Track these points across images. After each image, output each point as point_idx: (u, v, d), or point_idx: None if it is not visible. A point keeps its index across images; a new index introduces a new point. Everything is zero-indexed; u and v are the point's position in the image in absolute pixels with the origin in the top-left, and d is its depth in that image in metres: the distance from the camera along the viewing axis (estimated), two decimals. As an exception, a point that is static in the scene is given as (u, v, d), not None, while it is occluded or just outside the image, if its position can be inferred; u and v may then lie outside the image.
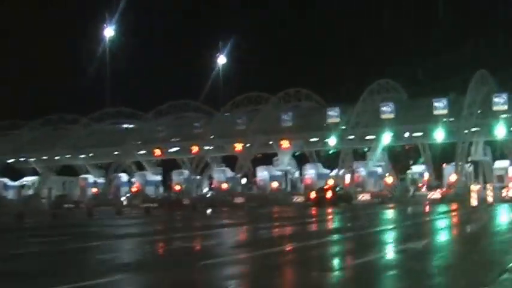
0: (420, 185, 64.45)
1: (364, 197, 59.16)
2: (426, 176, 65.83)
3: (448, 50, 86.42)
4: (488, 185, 48.14)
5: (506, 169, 62.83)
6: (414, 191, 61.42)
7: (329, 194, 52.70)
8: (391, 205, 49.31)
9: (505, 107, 59.51)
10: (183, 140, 71.23)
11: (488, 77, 61.80)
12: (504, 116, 60.25)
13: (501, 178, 62.21)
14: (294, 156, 69.61)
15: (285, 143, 66.02)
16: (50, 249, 16.31)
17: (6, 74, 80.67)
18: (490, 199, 44.74)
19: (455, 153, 59.32)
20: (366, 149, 66.55)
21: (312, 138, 67.83)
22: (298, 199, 60.45)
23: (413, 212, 36.68)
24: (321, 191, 54.23)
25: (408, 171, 68.93)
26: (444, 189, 58.06)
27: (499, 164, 65.02)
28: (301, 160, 69.66)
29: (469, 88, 59.25)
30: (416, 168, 68.27)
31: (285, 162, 67.59)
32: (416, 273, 10.70)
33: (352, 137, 64.98)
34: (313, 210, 42.83)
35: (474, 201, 42.62)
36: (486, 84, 61.70)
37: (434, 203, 51.25)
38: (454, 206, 43.11)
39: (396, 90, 66.02)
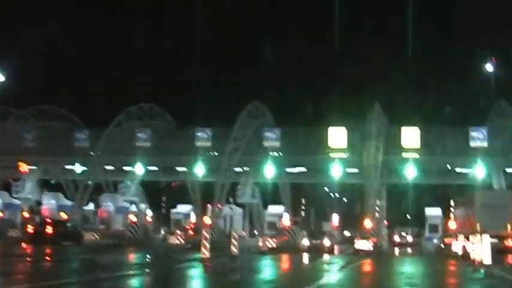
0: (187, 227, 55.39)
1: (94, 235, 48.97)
2: (193, 217, 57.15)
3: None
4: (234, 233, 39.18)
5: (279, 215, 55.73)
6: (166, 233, 52.32)
7: (49, 230, 42.07)
8: (130, 248, 39.52)
9: (277, 143, 52.59)
10: None
11: (263, 109, 54.95)
12: (275, 153, 53.60)
13: (273, 225, 54.74)
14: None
15: (24, 166, 54.29)
16: None
17: None
18: (234, 250, 34.67)
19: (214, 193, 51.24)
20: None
21: (61, 162, 56.97)
22: (15, 233, 48.92)
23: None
24: (42, 224, 43.75)
25: (173, 211, 60.11)
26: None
27: (272, 209, 58.76)
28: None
29: (238, 120, 51.86)
30: (182, 208, 59.66)
31: (26, 189, 55.57)
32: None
33: (109, 167, 54.96)
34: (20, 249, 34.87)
35: (234, 250, 32.97)
36: (261, 117, 54.73)
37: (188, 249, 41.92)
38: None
39: (163, 117, 57.16)
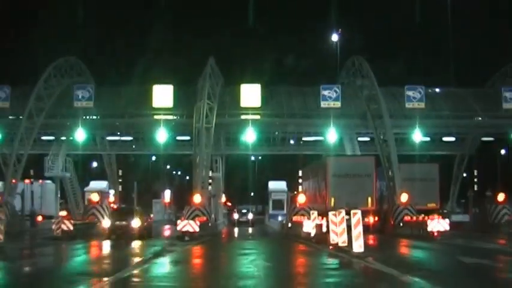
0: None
1: None
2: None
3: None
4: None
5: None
6: None
7: None
8: None
9: (90, 104, 41.51)
10: None
11: (79, 65, 43.82)
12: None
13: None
14: None
15: None
16: None
17: None
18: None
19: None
20: None
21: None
22: None
23: None
24: None
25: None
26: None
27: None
28: None
29: (43, 77, 40.26)
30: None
31: None
32: None
33: None
34: None
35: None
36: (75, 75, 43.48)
37: None
38: None
39: None
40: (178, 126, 43.09)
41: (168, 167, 71.34)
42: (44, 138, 47.21)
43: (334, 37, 49.47)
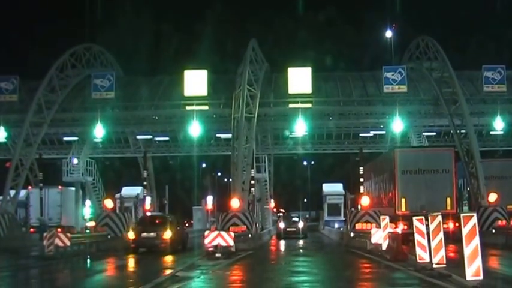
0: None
1: None
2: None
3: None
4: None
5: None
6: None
7: None
8: None
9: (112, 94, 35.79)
10: None
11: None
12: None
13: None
14: None
15: None
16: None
17: None
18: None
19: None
20: None
21: None
22: None
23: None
24: None
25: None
26: None
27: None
28: None
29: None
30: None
31: None
32: None
33: None
34: None
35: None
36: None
37: None
38: None
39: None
40: (217, 120, 36.73)
41: (215, 171, 65.24)
42: (66, 139, 41.92)
43: (389, 33, 41.99)
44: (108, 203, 30.16)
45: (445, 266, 13.19)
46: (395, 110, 34.04)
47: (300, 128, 34.60)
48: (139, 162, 50.03)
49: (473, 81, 34.86)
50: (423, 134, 40.78)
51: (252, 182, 31.92)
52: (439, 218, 13.14)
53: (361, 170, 30.36)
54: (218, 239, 21.25)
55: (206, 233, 21.54)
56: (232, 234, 21.53)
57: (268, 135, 44.46)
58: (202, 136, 38.49)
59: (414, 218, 14.89)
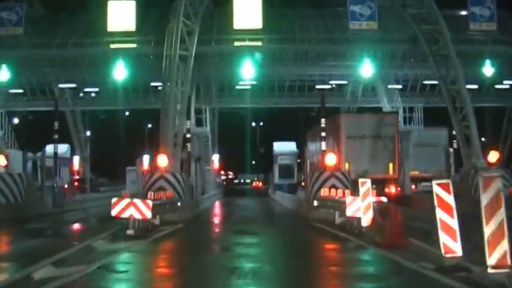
0: None
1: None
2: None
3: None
4: None
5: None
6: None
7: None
8: None
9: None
10: None
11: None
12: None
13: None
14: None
15: None
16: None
17: None
18: None
19: None
20: None
21: None
22: None
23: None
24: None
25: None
26: None
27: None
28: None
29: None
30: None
31: None
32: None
33: None
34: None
35: None
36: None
37: None
38: None
39: None
40: (152, 66, 30.09)
41: (150, 125, 58.18)
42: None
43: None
44: (-1, 160, 23.44)
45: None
46: (363, 51, 28.20)
47: (248, 71, 28.33)
48: (67, 118, 43.97)
49: (456, 21, 29.18)
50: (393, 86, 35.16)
51: (188, 136, 25.52)
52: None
53: (322, 123, 24.35)
54: (130, 209, 14.96)
55: (114, 200, 15.14)
56: (150, 202, 15.16)
57: (211, 86, 38.33)
58: (138, 87, 32.63)
59: (434, 182, 8.97)
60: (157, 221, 17.39)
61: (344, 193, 17.33)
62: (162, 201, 17.59)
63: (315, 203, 19.07)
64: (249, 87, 36.31)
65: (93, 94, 39.36)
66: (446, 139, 34.84)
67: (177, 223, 18.47)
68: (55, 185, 27.81)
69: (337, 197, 17.52)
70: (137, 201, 15.05)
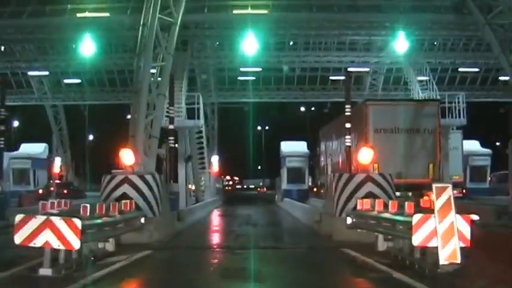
0: None
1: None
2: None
3: None
4: None
5: None
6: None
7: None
8: None
9: None
10: None
11: None
12: None
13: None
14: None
15: None
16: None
17: None
18: None
19: None
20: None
21: None
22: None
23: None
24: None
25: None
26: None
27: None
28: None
29: None
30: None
31: None
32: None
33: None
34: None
35: None
36: None
37: None
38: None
39: None
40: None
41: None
42: None
43: None
44: None
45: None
46: (396, 21, 22.24)
47: (250, 45, 22.33)
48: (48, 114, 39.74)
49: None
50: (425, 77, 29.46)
51: (171, 127, 19.38)
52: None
53: (347, 110, 18.21)
54: (45, 233, 8.90)
55: (18, 219, 9.04)
56: (78, 222, 8.97)
57: (210, 78, 33.06)
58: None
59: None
60: (111, 246, 11.51)
61: (383, 205, 11.42)
62: (114, 219, 11.45)
63: (348, 221, 12.78)
64: (252, 78, 31.26)
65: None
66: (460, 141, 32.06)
67: (142, 248, 12.44)
68: (-1, 192, 21.76)
69: (375, 212, 11.54)
70: (56, 220, 8.94)
